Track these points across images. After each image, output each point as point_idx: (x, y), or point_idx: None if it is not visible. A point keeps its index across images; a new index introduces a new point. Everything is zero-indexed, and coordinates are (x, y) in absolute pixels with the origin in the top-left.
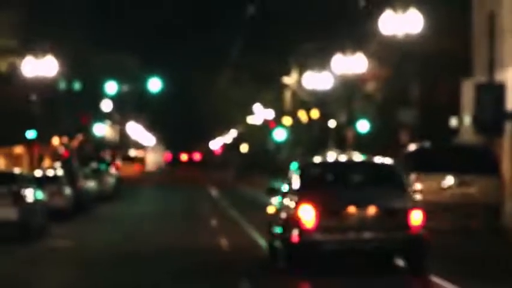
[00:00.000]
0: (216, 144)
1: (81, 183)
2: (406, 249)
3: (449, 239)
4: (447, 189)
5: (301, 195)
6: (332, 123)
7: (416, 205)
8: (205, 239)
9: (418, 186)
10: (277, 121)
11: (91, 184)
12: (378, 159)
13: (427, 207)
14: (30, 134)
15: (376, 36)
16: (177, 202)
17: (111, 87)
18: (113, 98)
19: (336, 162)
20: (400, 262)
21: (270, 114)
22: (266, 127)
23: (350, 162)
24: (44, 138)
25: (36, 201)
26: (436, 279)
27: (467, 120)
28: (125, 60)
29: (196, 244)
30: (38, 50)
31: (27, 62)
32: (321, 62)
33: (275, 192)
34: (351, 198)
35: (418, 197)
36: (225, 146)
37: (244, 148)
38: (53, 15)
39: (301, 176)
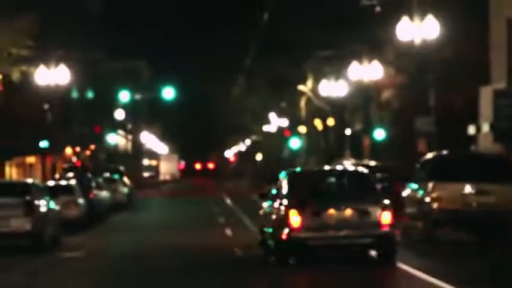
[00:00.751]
0: (230, 153)
1: (94, 193)
2: (378, 244)
3: (468, 248)
4: (465, 198)
5: (290, 200)
6: (348, 131)
7: (386, 207)
8: (220, 249)
9: (435, 195)
10: (292, 129)
11: (104, 194)
12: (354, 168)
13: (445, 216)
14: (43, 143)
15: (392, 43)
16: (191, 212)
17: (123, 95)
18: (126, 107)
19: (318, 171)
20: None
21: (284, 122)
22: (281, 135)
23: (330, 171)
24: (56, 148)
25: (49, 211)
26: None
27: (485, 128)
28: (138, 68)
29: (211, 254)
30: (50, 58)
31: (39, 71)
32: (337, 69)
33: (266, 196)
34: (330, 202)
35: (387, 201)
36: (240, 155)
37: (259, 157)
38: (65, 23)
39: (289, 183)
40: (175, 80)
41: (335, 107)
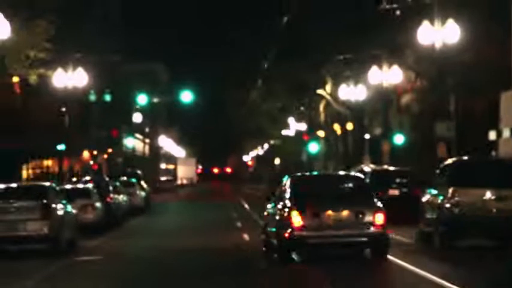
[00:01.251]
0: (248, 157)
1: (112, 197)
2: (372, 242)
3: (488, 254)
4: (485, 204)
5: (291, 202)
6: (367, 136)
7: (379, 209)
8: (237, 253)
9: (455, 200)
10: (310, 133)
11: (121, 198)
12: (350, 173)
13: (465, 222)
14: (60, 146)
15: (412, 47)
16: (208, 216)
17: (141, 99)
18: (144, 110)
19: (318, 176)
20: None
21: (303, 126)
22: (299, 139)
23: (329, 176)
24: (74, 151)
25: (66, 214)
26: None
27: (506, 133)
28: (156, 71)
29: (228, 258)
30: (68, 61)
31: (57, 74)
32: (356, 73)
33: (270, 199)
34: (329, 204)
35: (380, 204)
36: (258, 159)
37: (277, 161)
38: (83, 26)
39: (291, 187)
40: (193, 83)
41: (354, 111)
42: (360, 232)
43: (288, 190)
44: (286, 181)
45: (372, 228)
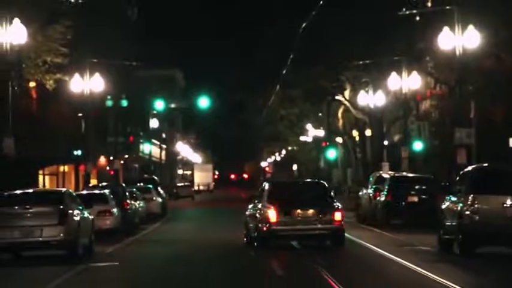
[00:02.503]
0: (265, 163)
1: (128, 203)
2: (331, 234)
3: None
4: (506, 211)
5: (268, 202)
6: (386, 142)
7: (337, 209)
8: (253, 259)
9: (475, 207)
10: (328, 140)
11: (138, 204)
12: (316, 181)
13: (485, 229)
14: (77, 152)
15: (432, 54)
16: (225, 222)
17: (158, 104)
18: (161, 116)
19: (290, 182)
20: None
21: (321, 132)
22: (317, 146)
23: (299, 182)
24: (91, 157)
25: (83, 220)
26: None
27: None
28: (173, 77)
29: (244, 263)
30: (85, 67)
31: (74, 80)
32: (375, 79)
33: (250, 201)
34: (298, 204)
35: (338, 204)
36: (275, 165)
37: (294, 167)
38: (99, 32)
39: (269, 191)
40: (210, 89)
41: (373, 117)
42: (322, 227)
43: (266, 193)
44: (265, 186)
45: (332, 224)
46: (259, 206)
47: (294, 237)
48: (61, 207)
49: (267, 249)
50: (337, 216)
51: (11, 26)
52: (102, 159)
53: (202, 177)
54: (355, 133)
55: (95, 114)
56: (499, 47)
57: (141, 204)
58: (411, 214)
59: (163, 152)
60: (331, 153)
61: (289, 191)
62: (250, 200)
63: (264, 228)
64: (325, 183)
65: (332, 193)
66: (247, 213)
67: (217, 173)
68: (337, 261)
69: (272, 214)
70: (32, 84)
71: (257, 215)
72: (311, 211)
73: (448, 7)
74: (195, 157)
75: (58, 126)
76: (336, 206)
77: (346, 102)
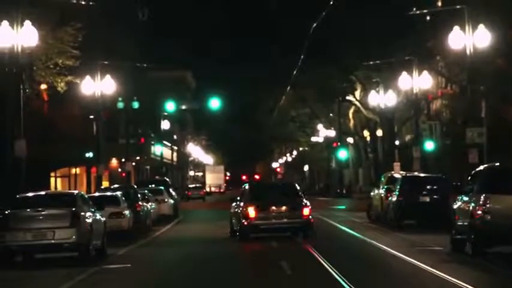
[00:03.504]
0: (277, 164)
1: (140, 205)
2: (301, 227)
3: None
4: None
5: (250, 200)
6: (397, 142)
7: (306, 205)
8: (266, 260)
9: (487, 207)
10: (340, 140)
11: (150, 205)
12: (288, 182)
13: (498, 229)
14: (88, 154)
15: (443, 53)
16: None
17: (169, 106)
18: (172, 117)
19: (267, 183)
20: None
21: (332, 133)
22: (329, 146)
23: (274, 183)
24: (102, 159)
25: (95, 222)
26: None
27: None
28: (184, 78)
29: (256, 265)
30: (96, 69)
31: (85, 82)
32: (386, 79)
33: (234, 200)
34: (273, 202)
35: (306, 201)
36: (286, 166)
37: (306, 168)
38: (110, 34)
39: (249, 191)
40: (221, 90)
41: (384, 117)
42: (293, 220)
43: (247, 193)
44: (246, 187)
45: (301, 218)
46: (241, 204)
47: (270, 230)
48: (73, 209)
49: (255, 241)
50: (305, 211)
51: (22, 29)
52: (114, 161)
53: (214, 179)
54: (366, 133)
55: (106, 116)
56: (510, 46)
57: (152, 206)
58: (423, 214)
59: (175, 154)
60: (342, 154)
61: (265, 191)
62: (233, 199)
63: (245, 223)
64: (296, 184)
65: (302, 193)
66: (231, 210)
67: (228, 174)
68: (349, 262)
69: (251, 211)
70: (43, 86)
71: (239, 212)
72: (284, 208)
73: (458, 6)
74: (207, 158)
75: (69, 129)
76: (304, 203)
77: (356, 103)
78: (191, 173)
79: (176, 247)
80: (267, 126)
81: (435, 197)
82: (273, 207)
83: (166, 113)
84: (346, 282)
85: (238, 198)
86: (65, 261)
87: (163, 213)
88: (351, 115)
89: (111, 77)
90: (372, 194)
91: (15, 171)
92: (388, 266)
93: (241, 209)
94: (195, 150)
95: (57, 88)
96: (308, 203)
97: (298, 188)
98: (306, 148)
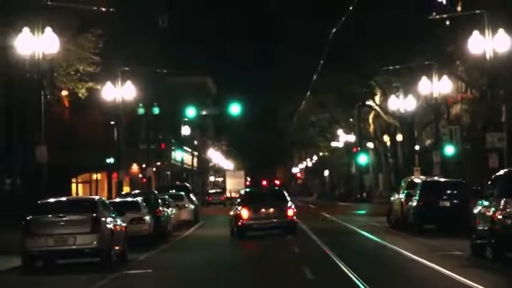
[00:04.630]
0: (297, 169)
1: (161, 210)
2: (286, 226)
3: None
4: None
5: (244, 204)
6: (417, 147)
7: (290, 207)
8: (287, 265)
9: (507, 211)
10: (360, 145)
11: (170, 211)
12: (276, 188)
13: None
14: (110, 160)
15: (463, 58)
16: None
17: (190, 111)
18: (192, 123)
19: (259, 189)
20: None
21: (352, 138)
22: (349, 151)
23: (264, 189)
24: (123, 165)
25: (116, 228)
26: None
27: None
28: (204, 84)
29: (278, 270)
30: (116, 75)
31: (106, 88)
32: (406, 84)
33: (234, 205)
34: (263, 205)
35: (291, 203)
36: (307, 171)
37: (326, 173)
38: (130, 40)
39: (244, 196)
40: (241, 95)
41: (404, 122)
42: (280, 220)
43: (242, 198)
44: (243, 193)
45: (286, 218)
46: (238, 207)
47: (261, 228)
48: (94, 215)
49: (244, 238)
50: (290, 212)
51: (43, 35)
52: (135, 167)
53: (234, 184)
54: (386, 138)
55: (127, 122)
56: None
57: (173, 211)
58: (443, 219)
59: (195, 159)
60: (363, 159)
61: (257, 197)
62: (232, 204)
63: (240, 223)
64: (283, 189)
65: (287, 197)
66: (231, 213)
67: (248, 179)
68: (368, 266)
69: (245, 213)
70: (64, 93)
71: (236, 214)
72: (272, 210)
73: (477, 11)
74: (227, 164)
75: (90, 134)
76: (289, 205)
77: (376, 107)
78: (211, 178)
79: (197, 252)
80: (287, 131)
81: (455, 201)
82: (263, 210)
83: (186, 119)
84: (366, 287)
85: (237, 202)
86: (86, 266)
87: (184, 219)
88: (370, 120)
89: (132, 82)
90: (392, 198)
91: (37, 177)
92: (408, 271)
93: (237, 211)
94: (216, 156)
95: (78, 94)
96: (293, 206)
97: (285, 193)
98: (326, 153)
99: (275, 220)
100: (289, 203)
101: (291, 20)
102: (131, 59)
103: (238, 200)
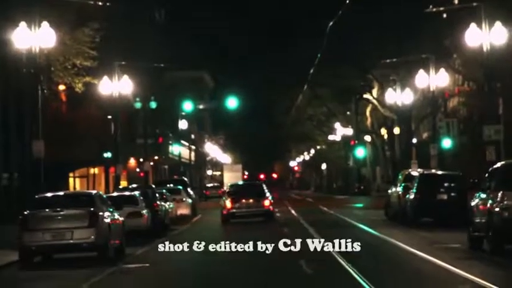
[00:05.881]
0: (294, 163)
1: (158, 204)
2: (265, 214)
3: None
4: None
5: (228, 196)
6: (414, 140)
7: (267, 198)
8: (286, 259)
9: (504, 204)
10: (357, 138)
11: (168, 205)
12: (258, 182)
13: None
14: (107, 154)
15: (459, 51)
16: (256, 222)
17: (187, 106)
18: (189, 117)
19: (240, 184)
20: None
21: (349, 131)
22: (346, 144)
23: (247, 183)
24: (120, 159)
25: (113, 222)
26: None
27: None
28: (201, 78)
29: (276, 264)
30: (113, 69)
31: (103, 82)
32: (403, 77)
33: (223, 195)
34: (244, 196)
35: (268, 195)
36: (304, 165)
37: (323, 166)
38: (127, 34)
39: (229, 189)
40: (238, 89)
41: (401, 115)
42: (258, 209)
43: (228, 190)
44: (228, 186)
45: (263, 208)
46: (224, 198)
47: (242, 216)
48: (91, 209)
49: (231, 225)
50: (266, 202)
51: (39, 30)
52: (132, 161)
53: (232, 178)
54: (383, 131)
55: (124, 116)
56: None
57: (171, 206)
58: (440, 212)
59: (193, 153)
60: (360, 152)
61: (240, 189)
62: (220, 196)
63: (224, 212)
64: (262, 183)
65: (266, 188)
66: (220, 203)
67: (246, 173)
68: (366, 259)
69: (228, 203)
70: (61, 87)
71: (222, 203)
72: (251, 200)
73: (474, 4)
74: (224, 158)
75: (87, 129)
76: (267, 196)
77: (374, 101)
78: (209, 172)
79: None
80: (285, 125)
81: (452, 194)
82: (243, 200)
83: (184, 113)
84: (364, 281)
85: (224, 195)
86: (83, 261)
87: (182, 213)
88: (368, 113)
89: (129, 77)
90: (389, 191)
91: (34, 172)
92: (406, 264)
93: (224, 202)
94: (213, 150)
95: (75, 89)
96: (270, 196)
97: (264, 187)
98: (324, 146)
99: (254, 209)
100: (267, 195)
101: (289, 13)
102: (128, 54)
103: (226, 191)
